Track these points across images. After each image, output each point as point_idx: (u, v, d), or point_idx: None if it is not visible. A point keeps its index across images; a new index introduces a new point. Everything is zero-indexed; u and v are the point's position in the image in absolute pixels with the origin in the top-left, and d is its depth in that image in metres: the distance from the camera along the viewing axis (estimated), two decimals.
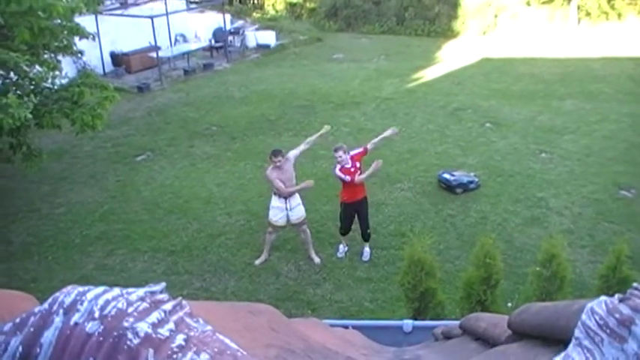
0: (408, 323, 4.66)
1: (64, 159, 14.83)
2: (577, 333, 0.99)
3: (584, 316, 0.98)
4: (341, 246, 10.77)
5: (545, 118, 16.62)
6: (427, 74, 20.96)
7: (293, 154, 10.27)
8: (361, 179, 10.04)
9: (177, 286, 9.96)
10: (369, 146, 10.46)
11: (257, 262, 10.55)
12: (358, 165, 10.09)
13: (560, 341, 1.10)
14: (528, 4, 26.20)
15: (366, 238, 10.64)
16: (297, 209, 10.29)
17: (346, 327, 3.72)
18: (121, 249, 11.18)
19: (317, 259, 10.56)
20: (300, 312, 9.22)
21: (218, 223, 11.71)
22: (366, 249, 10.68)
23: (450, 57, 23.30)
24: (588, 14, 25.93)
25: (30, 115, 10.29)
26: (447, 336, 2.90)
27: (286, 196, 10.10)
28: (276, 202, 10.24)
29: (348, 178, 9.99)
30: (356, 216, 10.50)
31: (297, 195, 10.28)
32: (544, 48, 23.62)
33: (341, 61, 23.37)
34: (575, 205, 12.05)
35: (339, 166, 10.04)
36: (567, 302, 1.18)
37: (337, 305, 9.53)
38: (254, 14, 29.30)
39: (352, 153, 10.16)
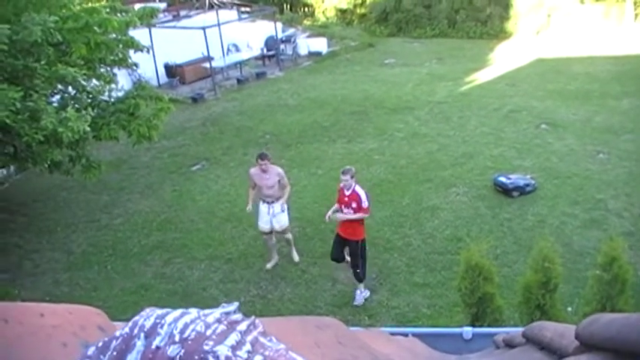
0: (467, 330, 4.61)
1: (121, 170, 15.09)
2: None
3: None
4: (358, 291, 9.85)
5: (602, 118, 16.32)
6: (480, 77, 20.78)
7: (280, 173, 10.33)
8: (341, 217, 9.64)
9: (234, 293, 10.05)
10: (367, 212, 9.62)
11: (268, 265, 10.78)
12: (354, 206, 9.43)
13: (635, 355, 1.08)
14: (582, 2, 25.77)
15: (356, 277, 9.80)
16: (280, 217, 10.36)
17: (405, 335, 3.71)
18: (178, 258, 11.32)
19: (296, 258, 10.87)
20: (356, 319, 9.21)
21: None
22: (357, 292, 9.84)
23: (504, 58, 23.07)
24: None
25: (88, 128, 10.51)
26: (509, 344, 2.87)
27: (269, 202, 10.27)
28: (260, 206, 10.44)
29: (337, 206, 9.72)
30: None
31: (282, 203, 10.34)
32: (599, 46, 23.21)
33: (393, 65, 23.31)
34: (635, 207, 11.80)
35: (341, 185, 9.63)
36: None
37: (394, 311, 9.49)
38: (305, 22, 29.42)
39: (358, 190, 9.49)
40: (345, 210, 9.59)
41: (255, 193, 10.50)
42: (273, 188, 10.23)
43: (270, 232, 10.56)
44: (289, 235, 10.75)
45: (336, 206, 9.75)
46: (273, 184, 10.20)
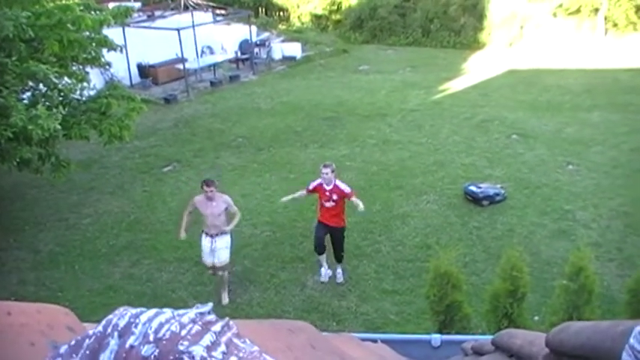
0: (436, 337, 4.63)
1: (92, 169, 14.96)
2: (625, 357, 0.98)
3: (632, 340, 0.97)
4: (322, 270, 10.34)
5: (573, 129, 16.49)
6: (453, 86, 20.88)
7: (228, 201, 9.76)
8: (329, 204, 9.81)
9: (203, 296, 9.99)
10: (354, 198, 9.87)
11: (224, 301, 9.99)
12: (335, 198, 9.71)
13: None
14: (555, 15, 26.00)
15: (338, 259, 10.33)
16: (221, 252, 9.76)
17: (375, 341, 3.71)
18: (147, 259, 11.24)
19: (225, 300, 10.02)
20: (325, 324, 9.20)
21: (243, 234, 11.70)
22: (339, 270, 10.36)
23: (476, 68, 23.21)
24: (615, 25, 25.69)
25: (59, 126, 10.43)
26: (478, 351, 2.88)
27: (212, 234, 9.68)
28: (203, 240, 9.83)
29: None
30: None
31: (226, 238, 9.77)
32: (571, 59, 23.45)
33: (367, 72, 23.36)
34: (602, 218, 11.94)
35: (318, 181, 9.86)
36: (610, 323, 1.16)
37: (362, 317, 9.51)
38: (280, 26, 29.37)
39: (339, 184, 9.81)
40: (327, 204, 9.80)
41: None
42: (219, 218, 9.62)
43: (212, 268, 9.99)
44: (225, 274, 10.07)
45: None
46: (219, 213, 9.61)
